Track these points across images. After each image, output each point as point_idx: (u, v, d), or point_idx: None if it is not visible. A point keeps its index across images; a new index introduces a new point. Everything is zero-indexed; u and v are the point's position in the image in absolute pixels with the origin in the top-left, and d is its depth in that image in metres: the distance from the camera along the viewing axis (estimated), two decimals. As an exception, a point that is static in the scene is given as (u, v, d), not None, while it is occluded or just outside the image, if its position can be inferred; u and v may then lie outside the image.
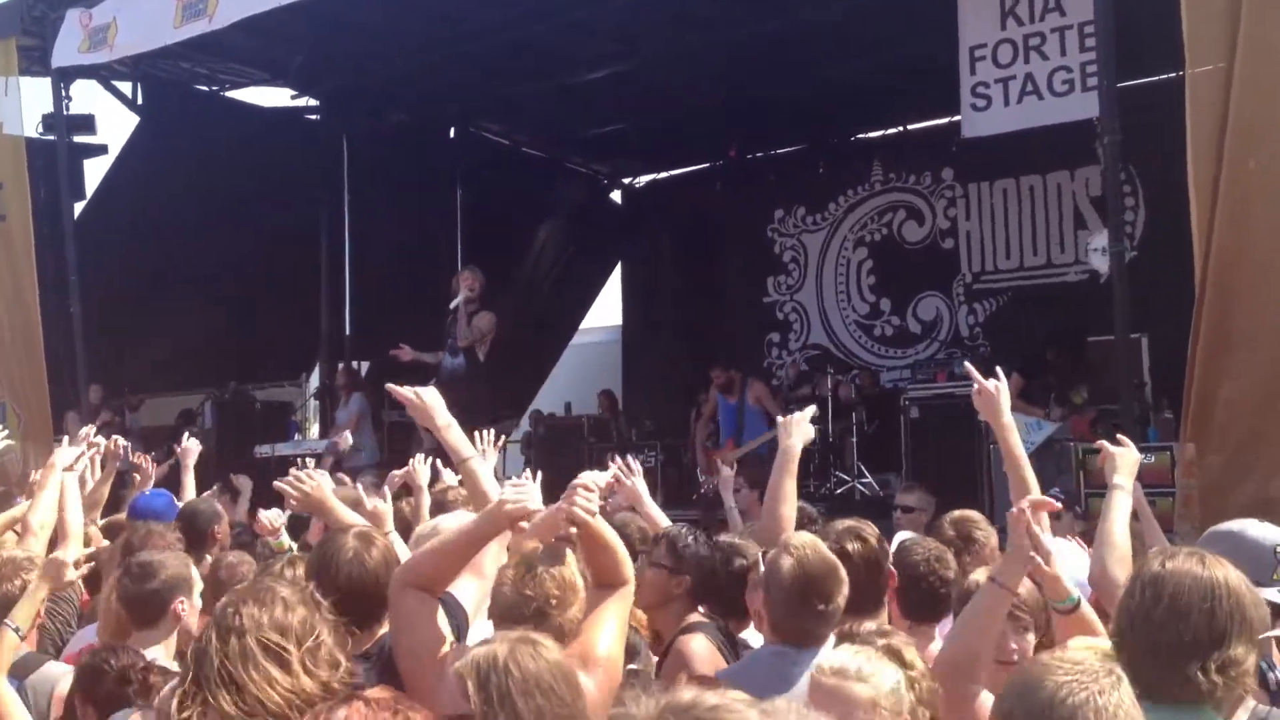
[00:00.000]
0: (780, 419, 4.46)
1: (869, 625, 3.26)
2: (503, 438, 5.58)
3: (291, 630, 2.48)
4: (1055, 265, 13.57)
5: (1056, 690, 2.17)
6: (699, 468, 12.25)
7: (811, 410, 4.56)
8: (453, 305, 10.92)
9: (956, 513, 5.00)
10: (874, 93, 13.28)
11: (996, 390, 4.03)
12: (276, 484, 4.28)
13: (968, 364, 4.36)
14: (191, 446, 6.94)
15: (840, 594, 3.42)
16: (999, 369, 4.16)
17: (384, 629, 3.41)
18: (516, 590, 3.01)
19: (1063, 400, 9.32)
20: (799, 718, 1.25)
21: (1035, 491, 3.91)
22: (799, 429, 4.39)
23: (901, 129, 14.81)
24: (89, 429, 6.07)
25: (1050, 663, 2.28)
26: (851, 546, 3.79)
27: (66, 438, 5.45)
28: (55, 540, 4.79)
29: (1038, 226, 13.70)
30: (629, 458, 5.57)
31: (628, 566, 3.32)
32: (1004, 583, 3.15)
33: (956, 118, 10.02)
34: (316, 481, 4.12)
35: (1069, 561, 3.83)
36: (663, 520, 4.88)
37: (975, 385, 4.09)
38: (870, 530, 3.98)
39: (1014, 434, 4.03)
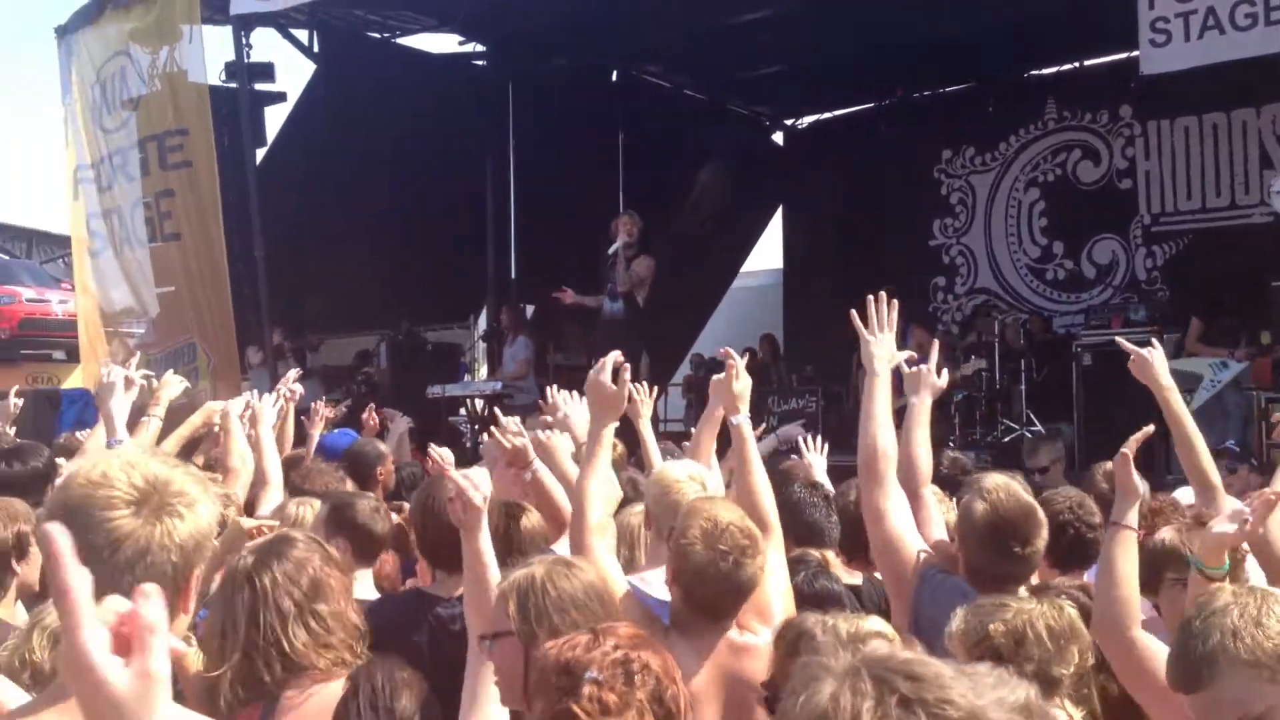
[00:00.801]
0: (907, 370, 4.20)
1: (1063, 580, 3.22)
2: (654, 389, 5.62)
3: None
4: (1239, 207, 13.01)
5: None
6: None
7: (957, 373, 4.42)
8: (611, 250, 11.03)
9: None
10: (1047, 29, 12.82)
11: (1150, 356, 4.04)
12: (488, 435, 4.39)
13: (1118, 338, 4.26)
14: (319, 407, 6.80)
15: (1039, 537, 3.37)
16: (1154, 340, 4.17)
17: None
18: (709, 547, 3.03)
19: (1249, 341, 9.00)
20: (998, 682, 1.24)
21: (1201, 451, 3.85)
22: (926, 381, 4.14)
23: (1077, 65, 14.31)
24: (294, 372, 6.37)
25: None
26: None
27: (255, 392, 5.63)
28: (255, 485, 4.97)
29: (1221, 166, 13.14)
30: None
31: (770, 513, 3.36)
32: (1121, 522, 3.10)
33: (1135, 53, 9.64)
34: (525, 439, 4.16)
35: None
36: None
37: (1130, 355, 4.08)
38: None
39: (1175, 396, 4.04)
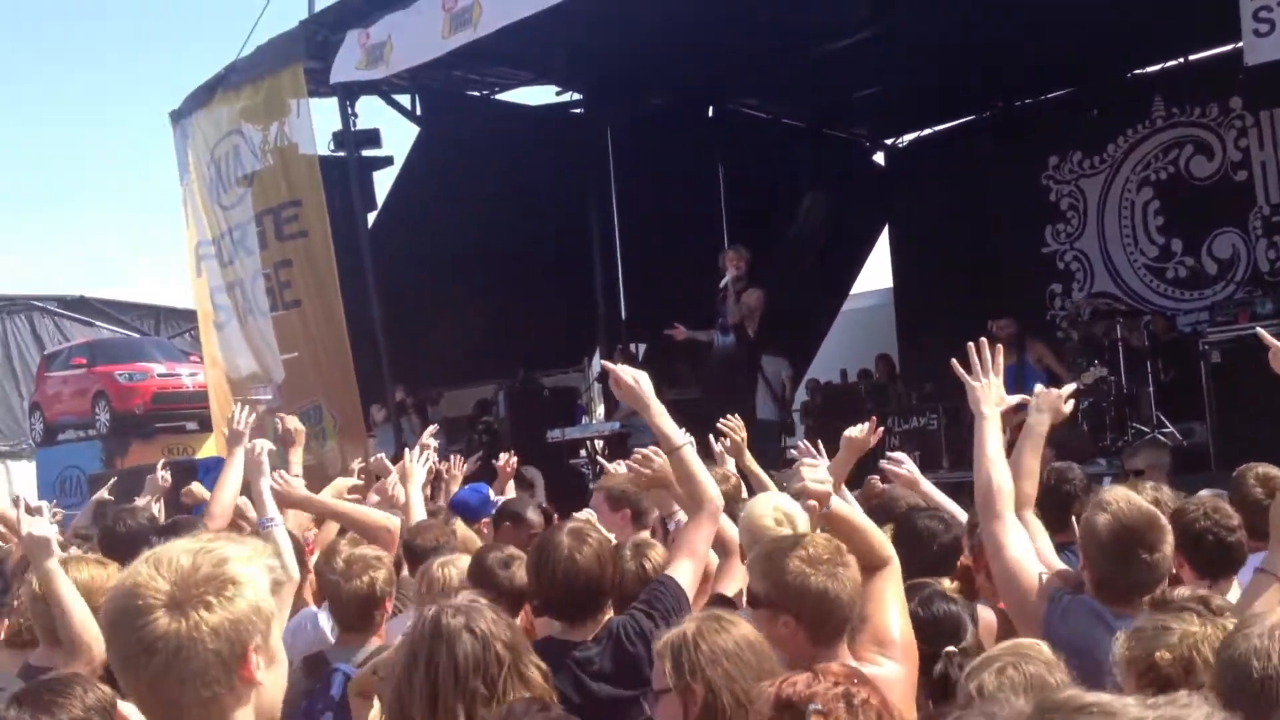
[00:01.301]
0: (1038, 390, 4.14)
1: (1183, 591, 3.15)
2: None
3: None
4: (1365, 189, 12.57)
5: None
6: None
7: (1072, 387, 4.29)
8: (722, 284, 11.07)
9: (1261, 468, 4.71)
10: (1146, 27, 12.58)
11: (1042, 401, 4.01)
12: (627, 463, 4.50)
13: (1260, 329, 4.14)
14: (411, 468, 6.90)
15: (1165, 543, 3.31)
16: None
17: (608, 615, 3.59)
18: (810, 564, 3.03)
19: None
20: (1201, 714, 1.23)
21: None
22: (1051, 404, 4.03)
23: (1182, 60, 14.00)
24: (433, 429, 6.52)
25: None
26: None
27: (413, 449, 5.79)
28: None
29: (1341, 150, 12.72)
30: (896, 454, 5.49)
31: (884, 546, 3.35)
32: (1275, 571, 3.04)
33: (1239, 44, 9.41)
34: (663, 459, 4.20)
35: None
36: (943, 499, 4.80)
37: (1270, 349, 3.98)
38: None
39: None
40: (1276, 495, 4.42)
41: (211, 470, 12.29)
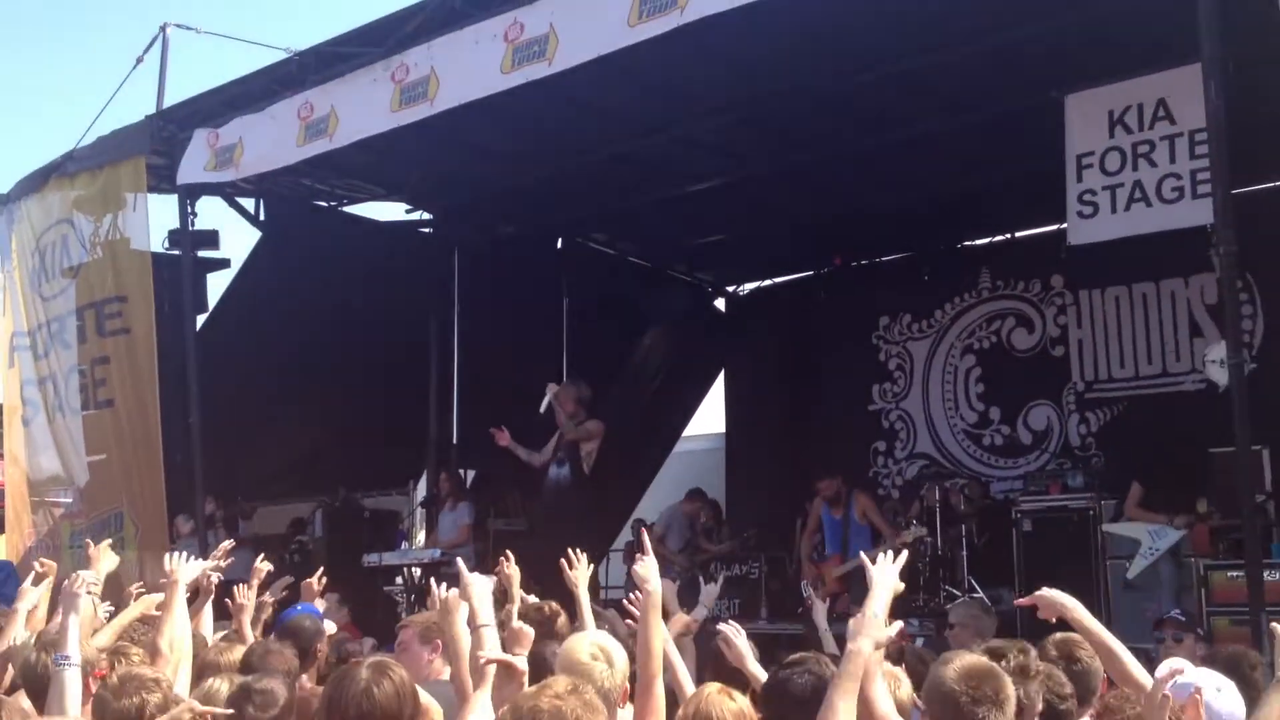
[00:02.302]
0: (865, 563, 3.84)
1: None
2: (589, 563, 5.64)
3: None
4: (1171, 374, 13.24)
5: None
6: (805, 580, 12.03)
7: (903, 549, 4.39)
8: (542, 407, 11.14)
9: (1059, 634, 4.82)
10: (980, 201, 13.24)
11: (1048, 594, 4.23)
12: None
13: (1018, 601, 4.41)
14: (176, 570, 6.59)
15: (1007, 692, 3.31)
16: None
17: None
18: None
19: (1187, 508, 9.04)
20: None
21: (1128, 659, 3.86)
22: (871, 630, 3.51)
23: (1009, 236, 14.70)
24: (227, 544, 6.23)
25: None
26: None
27: (181, 552, 5.49)
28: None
29: (1152, 334, 13.41)
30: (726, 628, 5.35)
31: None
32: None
33: (1064, 224, 9.93)
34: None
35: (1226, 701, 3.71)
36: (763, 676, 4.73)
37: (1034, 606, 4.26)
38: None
39: (1083, 613, 4.17)
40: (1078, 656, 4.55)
41: (-1, 574, 11.57)
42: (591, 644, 3.69)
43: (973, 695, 3.24)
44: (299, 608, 6.44)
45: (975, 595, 11.02)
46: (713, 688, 3.88)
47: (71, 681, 4.04)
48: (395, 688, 3.43)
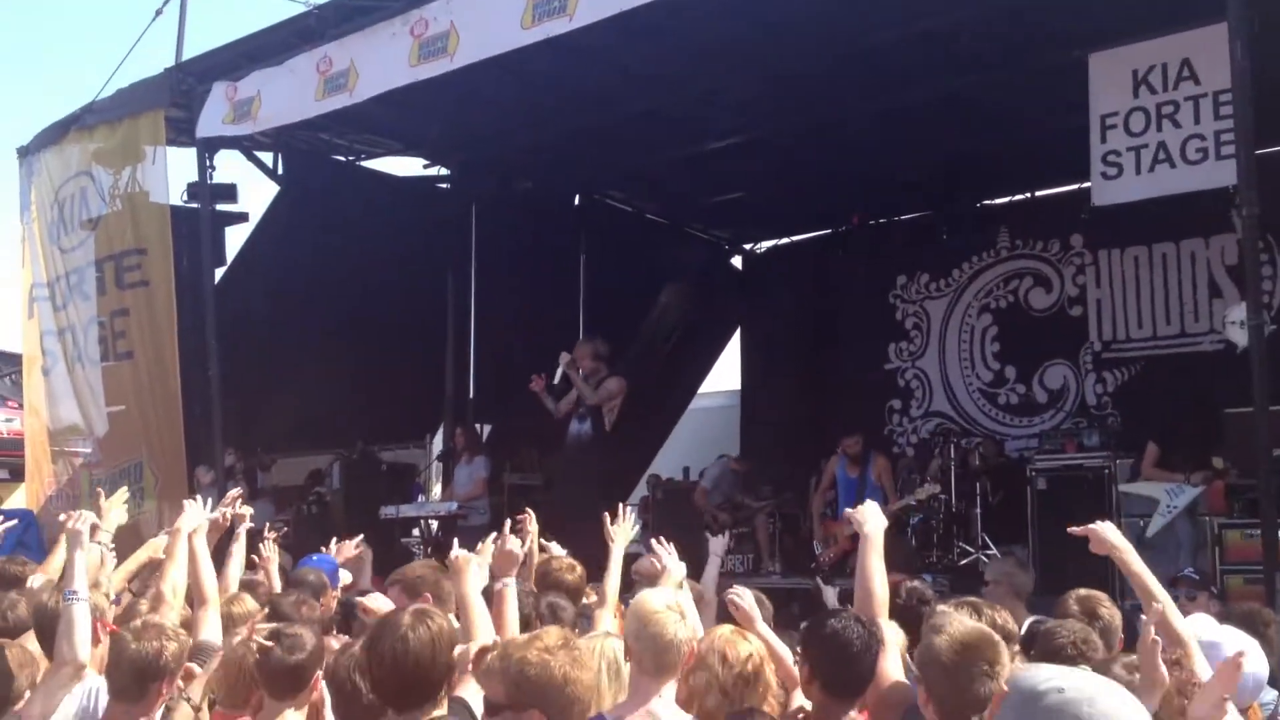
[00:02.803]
0: (847, 511, 4.50)
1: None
2: (627, 509, 5.65)
3: None
4: (1189, 334, 13.23)
5: None
6: (815, 538, 12.09)
7: (904, 501, 4.59)
8: (556, 379, 11.16)
9: (1082, 590, 4.88)
10: (1000, 160, 13.19)
11: (1099, 528, 4.21)
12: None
13: (1071, 529, 4.36)
14: (243, 513, 6.45)
15: (1002, 660, 3.34)
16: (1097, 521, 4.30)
17: (439, 711, 3.45)
18: None
19: (1203, 465, 9.06)
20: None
21: (1171, 609, 3.87)
22: (870, 515, 4.35)
23: (1029, 195, 14.64)
24: (235, 491, 6.27)
25: None
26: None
27: (194, 499, 5.52)
28: (194, 604, 4.87)
29: (1170, 295, 13.38)
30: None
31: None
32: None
33: (1086, 184, 9.89)
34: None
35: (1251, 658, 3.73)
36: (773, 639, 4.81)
37: (1090, 536, 4.24)
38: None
39: (1132, 556, 4.16)
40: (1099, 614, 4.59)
41: (19, 521, 11.68)
42: (667, 597, 3.71)
43: (967, 667, 3.28)
44: (313, 559, 6.52)
45: (989, 551, 11.11)
46: (725, 629, 3.94)
47: (80, 615, 4.08)
48: (431, 635, 3.46)
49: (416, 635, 3.42)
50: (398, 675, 3.39)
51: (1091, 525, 4.24)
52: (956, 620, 3.45)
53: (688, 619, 3.60)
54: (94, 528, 4.80)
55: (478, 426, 13.79)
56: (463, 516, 11.61)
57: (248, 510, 6.36)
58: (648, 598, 3.69)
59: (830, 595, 6.30)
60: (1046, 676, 1.98)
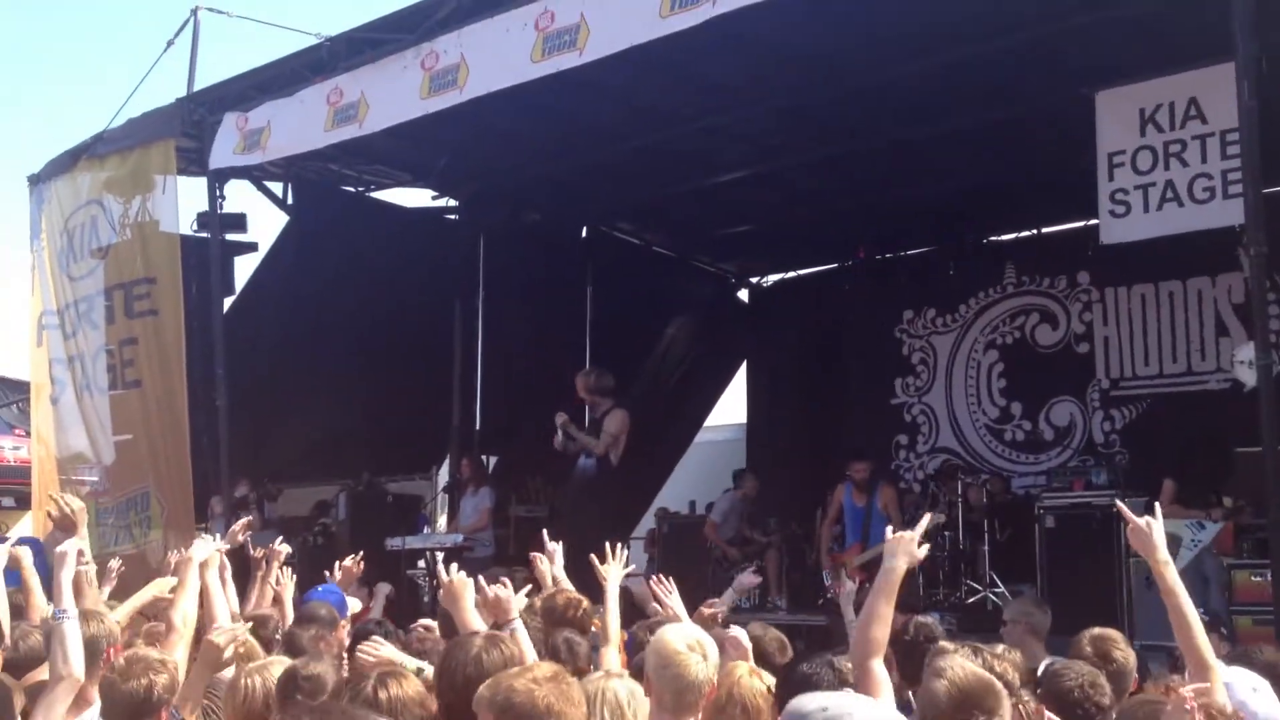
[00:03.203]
0: (890, 534, 4.21)
1: None
2: (620, 547, 5.69)
3: None
4: (1196, 373, 13.21)
5: None
6: (825, 570, 12.04)
7: (923, 525, 4.35)
8: (557, 445, 11.20)
9: (1095, 630, 4.82)
10: (1008, 196, 13.21)
11: (1149, 527, 4.06)
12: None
13: (1120, 504, 4.26)
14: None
15: (1002, 708, 3.29)
16: (1156, 505, 4.16)
17: None
18: None
19: (1219, 503, 8.99)
20: None
21: (1197, 628, 3.79)
22: (906, 549, 4.09)
23: (1036, 232, 14.66)
24: (240, 523, 6.29)
25: None
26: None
27: (203, 535, 5.57)
28: (201, 631, 4.89)
29: (1177, 333, 13.38)
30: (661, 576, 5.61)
31: None
32: None
33: (1093, 221, 9.91)
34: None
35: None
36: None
37: (1129, 524, 4.12)
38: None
39: (1171, 570, 4.04)
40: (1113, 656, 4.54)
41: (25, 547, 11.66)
42: (689, 636, 3.71)
43: (965, 717, 3.23)
44: (319, 590, 6.52)
45: (996, 590, 11.06)
46: (744, 669, 3.92)
47: (71, 633, 4.10)
48: (504, 659, 3.46)
49: (490, 659, 3.42)
50: (468, 698, 3.37)
51: (1145, 519, 4.11)
52: (958, 665, 3.40)
53: (709, 659, 3.61)
54: (80, 553, 4.79)
55: (484, 458, 13.78)
56: (468, 548, 11.59)
57: (285, 549, 6.46)
58: (670, 637, 3.69)
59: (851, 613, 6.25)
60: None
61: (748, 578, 6.44)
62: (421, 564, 12.28)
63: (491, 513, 12.19)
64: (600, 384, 11.43)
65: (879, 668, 3.88)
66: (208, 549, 5.29)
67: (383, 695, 3.47)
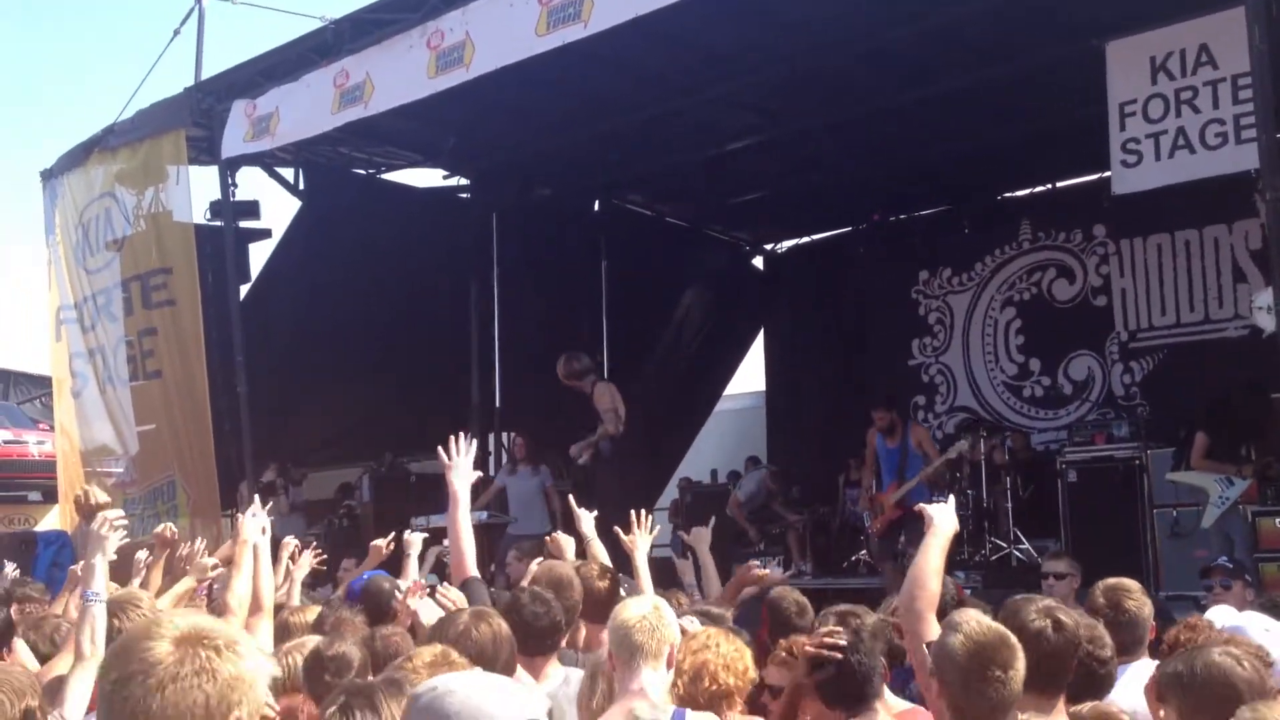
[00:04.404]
0: (920, 506, 4.34)
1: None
2: (653, 521, 5.74)
3: None
4: (1213, 321, 13.15)
5: None
6: (865, 512, 11.91)
7: (957, 450, 4.49)
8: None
9: (1110, 580, 4.81)
10: (1020, 152, 13.14)
11: (932, 509, 4.20)
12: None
13: (923, 507, 4.28)
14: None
15: (1018, 660, 3.32)
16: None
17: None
18: None
19: (1248, 459, 8.91)
20: None
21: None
22: (945, 515, 4.17)
23: (1050, 186, 14.59)
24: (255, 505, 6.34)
25: None
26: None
27: (246, 511, 5.57)
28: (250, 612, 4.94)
29: (1194, 282, 13.31)
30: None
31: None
32: None
33: (1107, 174, 9.83)
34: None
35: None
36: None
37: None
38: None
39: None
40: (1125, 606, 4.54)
41: (53, 544, 11.78)
42: (647, 606, 3.71)
43: (979, 669, 3.27)
44: (366, 575, 6.57)
45: (1021, 546, 11.08)
46: (711, 630, 3.94)
47: (99, 616, 4.14)
48: (493, 632, 3.49)
49: (479, 632, 3.47)
50: None
51: (929, 508, 4.22)
52: (973, 619, 3.43)
53: (666, 621, 3.65)
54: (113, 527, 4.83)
55: (505, 436, 13.81)
56: (493, 525, 11.62)
57: (292, 540, 6.53)
58: (628, 607, 3.73)
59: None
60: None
61: (701, 532, 6.53)
62: (446, 542, 12.31)
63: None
64: (572, 369, 11.29)
65: (933, 620, 3.90)
66: (256, 525, 5.29)
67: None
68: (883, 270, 15.74)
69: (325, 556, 7.37)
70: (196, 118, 11.62)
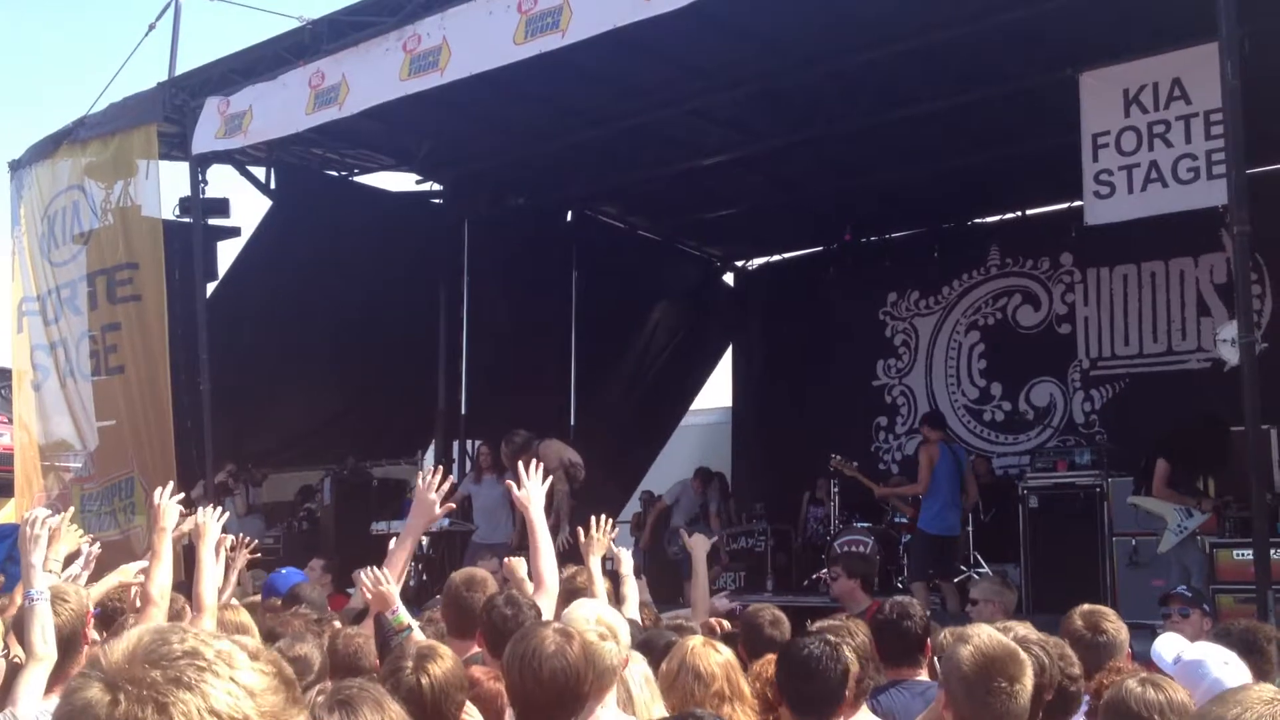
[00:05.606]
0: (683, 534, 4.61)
1: None
2: (614, 527, 5.72)
3: None
4: (1176, 352, 13.28)
5: None
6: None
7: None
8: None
9: (1087, 606, 4.88)
10: (992, 178, 13.26)
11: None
12: (356, 574, 4.60)
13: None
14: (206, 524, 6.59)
15: (1025, 675, 3.34)
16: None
17: None
18: None
19: (1207, 493, 8.95)
20: None
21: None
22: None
23: (1020, 214, 14.71)
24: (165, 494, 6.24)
25: None
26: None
27: (161, 497, 5.43)
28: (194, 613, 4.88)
29: (1159, 313, 13.45)
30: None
31: None
32: None
33: (1076, 203, 9.95)
34: (390, 585, 4.43)
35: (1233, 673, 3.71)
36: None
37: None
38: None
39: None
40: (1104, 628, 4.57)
41: (9, 537, 11.59)
42: (597, 621, 3.67)
43: (985, 681, 3.28)
44: (283, 571, 6.56)
45: (980, 570, 11.11)
46: (697, 640, 3.97)
47: (43, 614, 4.09)
48: (582, 650, 3.42)
49: (573, 651, 3.38)
50: (557, 693, 3.34)
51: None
52: (985, 632, 3.45)
53: (620, 640, 3.62)
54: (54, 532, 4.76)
55: (470, 443, 13.73)
56: (455, 533, 11.57)
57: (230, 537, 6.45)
58: (576, 610, 3.73)
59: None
60: None
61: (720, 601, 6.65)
62: (392, 544, 12.23)
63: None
64: (514, 446, 10.66)
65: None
66: (174, 514, 5.17)
67: (424, 681, 3.39)
68: (852, 290, 15.81)
69: (260, 554, 7.29)
70: (169, 113, 11.50)
